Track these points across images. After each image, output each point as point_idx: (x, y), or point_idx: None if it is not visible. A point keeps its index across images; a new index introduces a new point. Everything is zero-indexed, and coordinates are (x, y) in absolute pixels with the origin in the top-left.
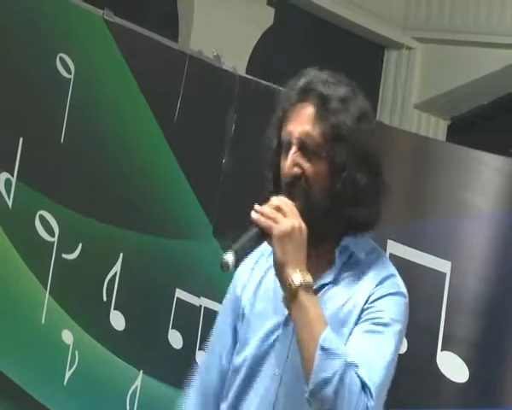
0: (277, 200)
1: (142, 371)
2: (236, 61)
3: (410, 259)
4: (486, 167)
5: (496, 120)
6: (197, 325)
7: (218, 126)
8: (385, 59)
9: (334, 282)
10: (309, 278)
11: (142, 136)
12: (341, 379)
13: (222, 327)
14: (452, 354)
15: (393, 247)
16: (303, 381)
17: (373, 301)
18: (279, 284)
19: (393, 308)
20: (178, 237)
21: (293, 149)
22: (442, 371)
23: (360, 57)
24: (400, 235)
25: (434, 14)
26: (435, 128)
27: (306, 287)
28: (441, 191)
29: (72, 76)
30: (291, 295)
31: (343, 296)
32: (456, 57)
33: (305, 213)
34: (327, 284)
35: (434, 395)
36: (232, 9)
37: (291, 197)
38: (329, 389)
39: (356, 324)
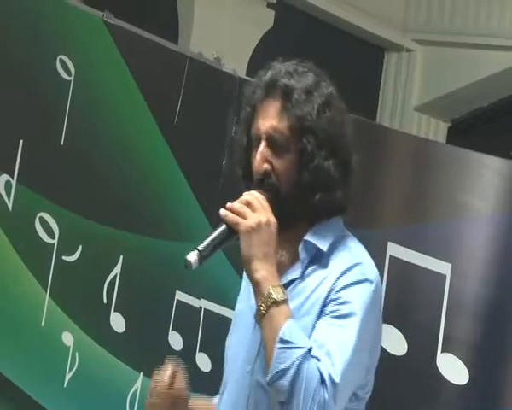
0: (248, 195)
1: (142, 373)
2: (236, 64)
3: (411, 261)
4: (487, 170)
5: (496, 122)
6: (197, 327)
7: (218, 128)
8: (385, 61)
9: (302, 277)
10: (282, 295)
11: (142, 138)
12: (298, 370)
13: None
14: (452, 356)
15: (394, 249)
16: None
17: (336, 292)
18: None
19: (356, 298)
20: (178, 239)
21: (262, 144)
22: (442, 373)
23: (360, 59)
24: (401, 237)
25: (434, 16)
26: (435, 130)
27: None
28: (441, 193)
29: (72, 78)
30: (256, 291)
31: (308, 290)
32: (457, 59)
33: (275, 207)
34: (295, 280)
35: (434, 396)
36: (232, 11)
37: (262, 192)
38: (286, 380)
39: (318, 316)
